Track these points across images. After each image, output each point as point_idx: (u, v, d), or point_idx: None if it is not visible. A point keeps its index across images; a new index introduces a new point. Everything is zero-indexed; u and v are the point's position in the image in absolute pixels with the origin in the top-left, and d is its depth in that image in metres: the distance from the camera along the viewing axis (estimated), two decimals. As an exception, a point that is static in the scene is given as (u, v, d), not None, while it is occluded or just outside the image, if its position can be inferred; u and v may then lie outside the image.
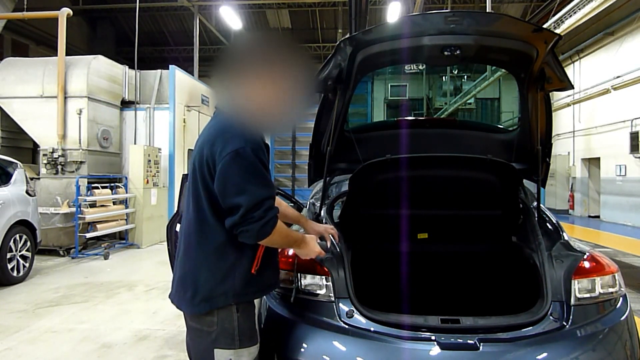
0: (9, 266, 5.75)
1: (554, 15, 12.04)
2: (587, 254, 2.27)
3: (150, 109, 9.83)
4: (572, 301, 2.09)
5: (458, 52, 2.37)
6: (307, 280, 2.16)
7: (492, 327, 2.02)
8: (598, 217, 14.47)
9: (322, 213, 2.75)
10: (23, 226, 6.11)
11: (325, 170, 2.74)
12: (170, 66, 9.94)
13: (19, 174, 6.29)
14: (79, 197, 7.63)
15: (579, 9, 10.62)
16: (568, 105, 15.83)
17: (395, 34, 2.40)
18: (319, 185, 3.14)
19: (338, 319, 2.05)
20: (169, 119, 9.80)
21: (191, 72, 13.27)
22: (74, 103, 8.41)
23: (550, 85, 2.52)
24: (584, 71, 15.00)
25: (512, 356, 1.89)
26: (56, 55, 8.44)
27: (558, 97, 16.00)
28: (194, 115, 10.82)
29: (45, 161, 8.25)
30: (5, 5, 10.23)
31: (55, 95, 8.31)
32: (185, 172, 1.92)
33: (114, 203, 8.55)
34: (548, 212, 2.78)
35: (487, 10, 10.80)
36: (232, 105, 1.83)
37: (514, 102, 18.44)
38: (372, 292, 2.66)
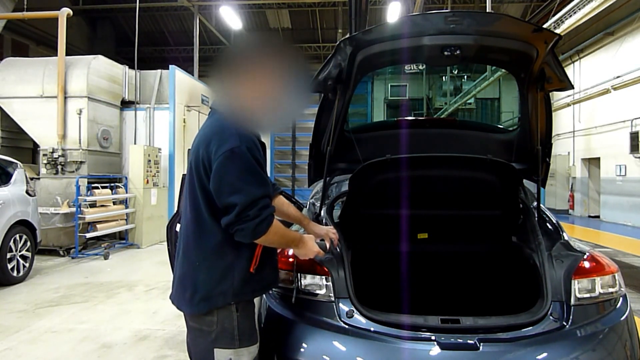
0: (9, 266, 5.75)
1: (554, 15, 12.02)
2: (587, 254, 2.27)
3: (150, 109, 9.83)
4: (572, 301, 2.09)
5: (458, 52, 2.37)
6: (307, 280, 2.17)
7: (492, 327, 2.02)
8: (598, 217, 14.47)
9: (322, 213, 2.75)
10: (23, 226, 6.11)
11: (325, 170, 2.74)
12: (170, 66, 9.94)
13: (19, 174, 6.29)
14: (79, 197, 7.62)
15: (579, 9, 10.61)
16: (568, 105, 15.82)
17: (395, 34, 2.40)
18: (319, 185, 3.13)
19: (338, 319, 2.05)
20: (169, 119, 9.80)
21: (191, 72, 13.27)
22: (74, 103, 8.41)
23: (550, 85, 2.51)
24: (584, 71, 15.00)
25: (512, 356, 1.89)
26: (56, 55, 8.45)
27: (558, 97, 16.00)
28: (194, 115, 10.82)
29: (45, 161, 8.26)
30: (5, 5, 10.23)
31: (55, 95, 8.31)
32: (185, 172, 1.92)
33: (114, 203, 8.55)
34: (548, 212, 2.78)
35: (487, 10, 10.79)
36: (227, 104, 1.84)
37: (514, 102, 18.43)
38: (372, 292, 2.66)
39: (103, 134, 8.88)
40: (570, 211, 15.89)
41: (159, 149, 9.58)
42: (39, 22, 14.40)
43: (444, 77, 19.14)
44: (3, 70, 8.70)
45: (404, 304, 2.68)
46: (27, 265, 6.12)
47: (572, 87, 2.53)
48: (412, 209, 2.86)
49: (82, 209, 7.69)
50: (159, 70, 10.01)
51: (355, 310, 2.06)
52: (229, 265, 1.74)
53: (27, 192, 6.29)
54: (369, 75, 17.59)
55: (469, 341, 1.91)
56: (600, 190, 14.32)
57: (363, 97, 19.25)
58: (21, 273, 5.99)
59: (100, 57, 9.06)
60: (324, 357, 1.95)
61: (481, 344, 1.89)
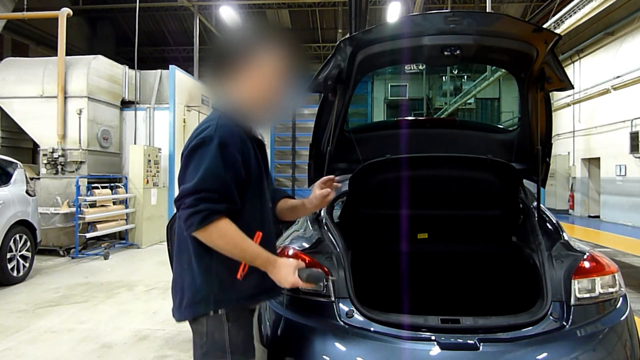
0: (9, 266, 5.75)
1: (554, 15, 12.03)
2: (587, 254, 2.27)
3: (150, 109, 9.83)
4: (572, 301, 2.08)
5: (458, 52, 2.37)
6: (307, 280, 2.16)
7: (492, 327, 2.02)
8: (598, 217, 14.46)
9: (322, 213, 2.75)
10: (23, 226, 6.11)
11: (325, 170, 2.73)
12: (170, 66, 9.95)
13: (19, 174, 6.29)
14: (79, 197, 7.63)
15: (579, 9, 10.61)
16: (568, 105, 15.82)
17: (395, 34, 2.40)
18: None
19: (338, 319, 2.04)
20: (169, 119, 9.80)
21: (191, 72, 13.26)
22: (74, 103, 8.41)
23: (550, 85, 2.52)
24: (584, 71, 15.00)
25: (512, 356, 1.89)
26: (56, 55, 8.45)
27: (558, 97, 16.00)
28: (194, 115, 10.82)
29: (45, 161, 8.26)
30: (5, 5, 10.24)
31: (55, 95, 8.31)
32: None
33: (114, 203, 8.55)
34: (548, 212, 2.78)
35: (487, 10, 10.79)
36: (223, 100, 1.81)
37: (514, 102, 18.42)
38: (372, 292, 2.66)
39: (103, 134, 8.88)
40: (570, 211, 15.89)
41: (159, 149, 9.58)
42: (39, 22, 14.39)
43: (444, 77, 19.14)
44: (3, 70, 8.71)
45: (404, 304, 2.68)
46: (27, 265, 6.12)
47: (572, 87, 2.53)
48: (412, 209, 2.86)
49: (82, 209, 7.69)
50: (159, 70, 10.02)
51: (355, 310, 2.05)
52: (207, 269, 1.60)
53: (27, 192, 6.29)
54: (369, 75, 17.58)
55: (469, 341, 1.90)
56: (600, 190, 14.32)
57: (363, 97, 19.24)
58: (21, 273, 5.99)
59: (100, 57, 9.07)
60: (324, 357, 1.95)
61: (481, 344, 1.89)
